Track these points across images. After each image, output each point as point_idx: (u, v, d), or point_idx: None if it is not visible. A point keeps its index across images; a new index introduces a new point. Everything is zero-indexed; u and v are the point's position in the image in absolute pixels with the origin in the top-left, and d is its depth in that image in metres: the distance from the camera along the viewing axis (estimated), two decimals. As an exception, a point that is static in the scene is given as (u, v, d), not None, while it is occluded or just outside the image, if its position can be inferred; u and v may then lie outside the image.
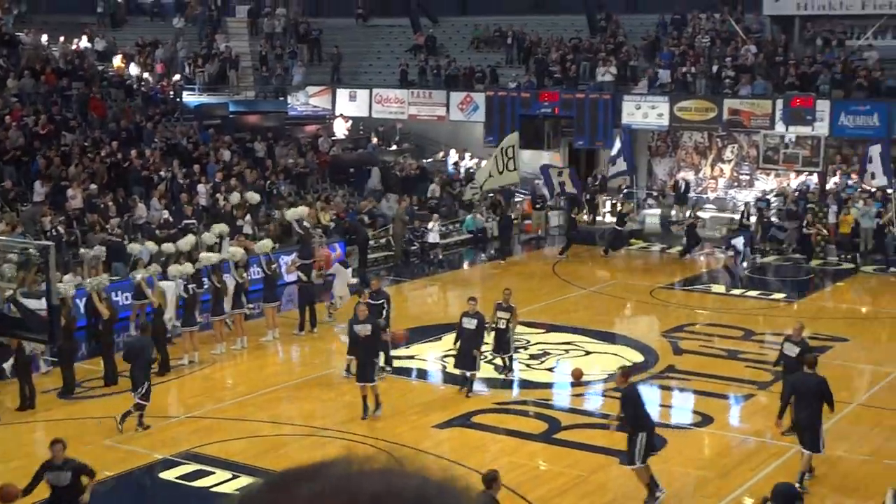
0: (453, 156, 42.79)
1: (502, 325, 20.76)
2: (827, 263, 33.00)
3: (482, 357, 20.33)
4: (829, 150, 36.27)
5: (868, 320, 26.98)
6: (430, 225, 33.88)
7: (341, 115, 43.38)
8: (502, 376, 20.97)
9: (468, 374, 19.87)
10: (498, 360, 21.16)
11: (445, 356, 22.00)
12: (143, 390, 17.96)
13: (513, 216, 36.25)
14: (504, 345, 20.88)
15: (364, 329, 18.50)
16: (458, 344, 20.00)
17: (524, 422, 18.80)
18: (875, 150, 29.84)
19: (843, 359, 22.12)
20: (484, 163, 34.60)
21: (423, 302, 28.96)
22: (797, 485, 14.92)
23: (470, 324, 19.68)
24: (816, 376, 15.74)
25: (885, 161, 30.94)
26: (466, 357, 19.80)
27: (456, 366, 20.12)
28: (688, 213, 35.51)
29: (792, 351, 17.25)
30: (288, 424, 18.46)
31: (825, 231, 32.50)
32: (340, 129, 43.41)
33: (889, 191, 32.98)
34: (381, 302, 21.47)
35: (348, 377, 20.23)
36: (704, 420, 18.89)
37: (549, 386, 21.17)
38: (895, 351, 23.26)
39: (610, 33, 42.18)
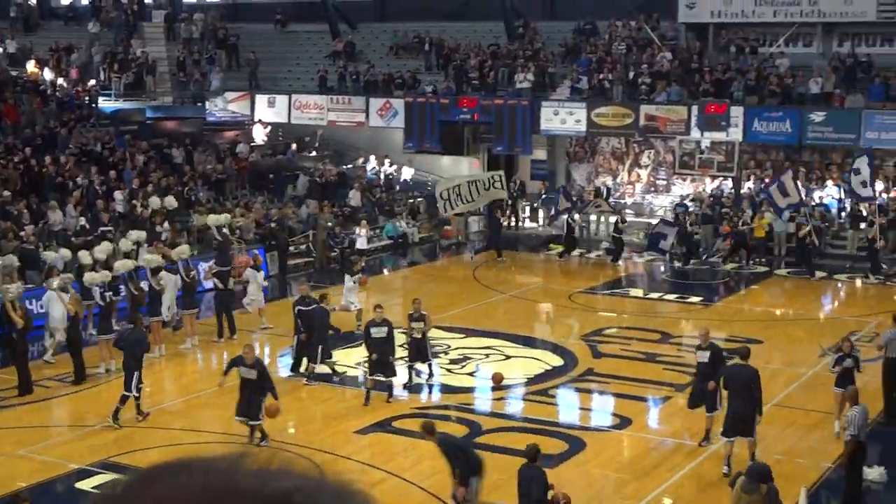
0: (373, 162, 42.75)
1: (418, 335, 20.70)
2: (741, 267, 33.50)
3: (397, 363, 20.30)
4: (743, 156, 36.89)
5: (782, 322, 27.44)
6: (358, 231, 33.72)
7: (260, 120, 43.11)
8: (426, 383, 20.93)
9: (386, 379, 19.76)
10: (422, 367, 21.08)
11: (364, 362, 21.94)
12: (135, 382, 18.39)
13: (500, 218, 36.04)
14: (423, 353, 20.85)
15: (250, 373, 17.54)
16: (372, 354, 19.79)
17: (445, 426, 18.79)
18: (863, 162, 29.72)
19: (758, 360, 22.39)
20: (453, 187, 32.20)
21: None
22: (724, 468, 15.97)
23: (380, 332, 19.55)
24: (749, 367, 16.47)
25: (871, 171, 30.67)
26: (383, 364, 19.65)
27: (372, 373, 19.93)
28: (613, 219, 35.65)
29: (703, 357, 17.40)
30: (207, 433, 18.28)
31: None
32: (259, 134, 43.13)
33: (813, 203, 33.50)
34: (312, 307, 21.38)
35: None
36: (623, 422, 19.07)
37: (469, 390, 21.21)
38: (808, 352, 23.63)
39: (528, 40, 42.47)
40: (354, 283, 25.33)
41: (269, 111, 43.28)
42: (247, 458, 1.62)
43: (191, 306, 24.05)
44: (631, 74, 38.73)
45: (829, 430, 17.94)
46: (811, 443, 17.51)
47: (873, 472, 15.99)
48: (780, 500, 12.96)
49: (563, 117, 38.16)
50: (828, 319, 27.87)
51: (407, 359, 20.93)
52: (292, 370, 21.58)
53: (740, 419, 16.13)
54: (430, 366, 20.99)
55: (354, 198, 38.74)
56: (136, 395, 18.67)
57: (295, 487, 1.56)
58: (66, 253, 25.21)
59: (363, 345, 20.27)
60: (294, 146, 43.02)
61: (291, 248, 33.03)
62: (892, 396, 19.23)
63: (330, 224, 33.63)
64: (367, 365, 20.21)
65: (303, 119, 42.90)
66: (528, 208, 40.39)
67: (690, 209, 36.58)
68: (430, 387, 20.91)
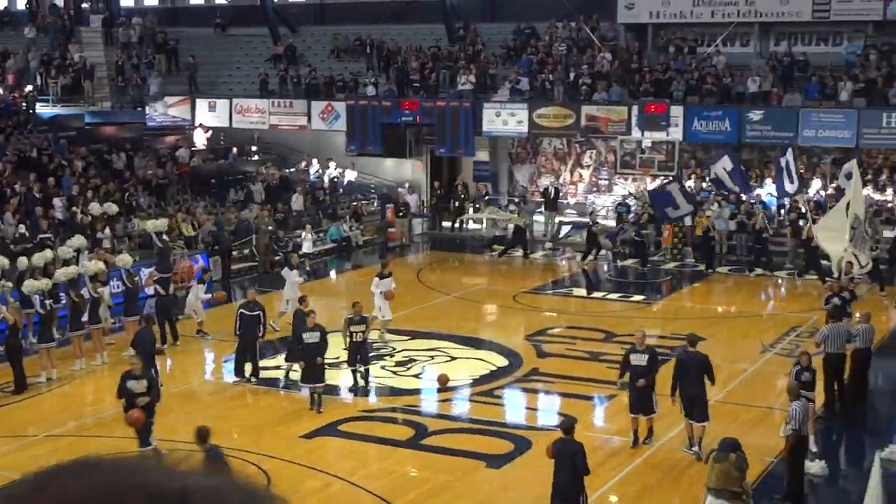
0: (315, 165, 42.63)
1: (359, 339, 20.62)
2: (684, 265, 33.82)
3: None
4: (683, 155, 37.23)
5: (724, 319, 27.73)
6: (303, 234, 33.53)
7: (201, 125, 42.82)
8: (363, 385, 20.84)
9: (316, 388, 19.52)
10: (364, 370, 21.03)
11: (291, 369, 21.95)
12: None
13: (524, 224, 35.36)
14: (363, 358, 20.74)
15: (139, 385, 17.04)
16: (303, 361, 19.62)
17: (392, 428, 18.81)
18: (789, 157, 29.60)
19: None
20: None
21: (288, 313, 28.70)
22: (690, 449, 16.69)
23: (312, 337, 19.40)
24: (699, 353, 17.11)
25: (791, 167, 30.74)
26: (313, 371, 19.50)
27: (303, 381, 19.76)
28: (587, 218, 35.63)
29: (640, 360, 17.39)
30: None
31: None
32: (200, 139, 42.85)
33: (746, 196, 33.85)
34: (256, 313, 21.31)
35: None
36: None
37: (415, 392, 21.23)
38: (749, 348, 23.94)
39: (468, 42, 42.56)
40: (299, 278, 25.09)
41: (209, 115, 43.01)
42: (156, 458, 1.62)
43: (132, 313, 23.82)
44: (572, 75, 38.94)
45: (772, 425, 18.13)
46: (754, 437, 17.67)
47: (814, 467, 16.20)
48: (747, 464, 13.60)
49: (504, 118, 38.29)
50: (769, 316, 28.21)
51: (348, 363, 20.82)
52: (236, 374, 21.46)
53: (696, 403, 16.90)
54: (366, 371, 20.83)
55: (297, 201, 38.61)
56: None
57: (196, 487, 1.55)
58: (4, 261, 24.87)
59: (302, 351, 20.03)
60: (235, 150, 42.78)
61: (234, 253, 32.83)
62: (833, 391, 19.51)
63: (270, 228, 33.42)
64: (298, 373, 19.95)
65: (244, 123, 42.70)
66: (471, 209, 40.47)
67: (632, 208, 36.88)
68: (367, 392, 20.77)
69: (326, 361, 20.02)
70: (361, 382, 20.85)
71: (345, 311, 26.70)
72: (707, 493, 13.24)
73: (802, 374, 18.12)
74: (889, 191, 35.01)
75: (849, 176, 26.56)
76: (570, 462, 14.06)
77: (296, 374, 20.72)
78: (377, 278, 24.49)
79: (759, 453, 16.96)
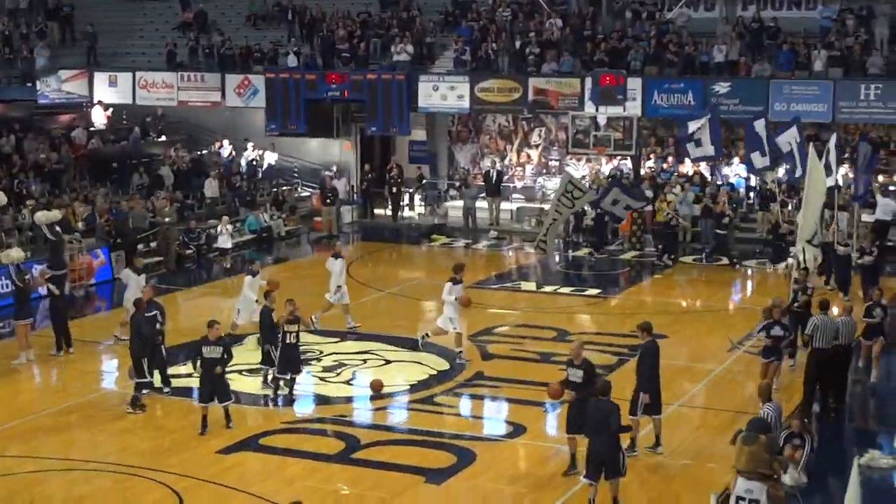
0: (230, 147, 42.40)
1: (292, 340, 20.59)
2: (644, 255, 34.10)
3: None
4: (642, 132, 37.51)
5: (687, 314, 28.00)
6: (219, 228, 33.26)
7: (100, 102, 42.42)
8: (287, 394, 20.79)
9: (222, 405, 19.33)
10: (290, 378, 20.95)
11: (229, 372, 21.79)
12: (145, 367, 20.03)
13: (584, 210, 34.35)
14: (294, 363, 20.66)
15: None
16: (201, 375, 19.32)
17: (319, 441, 18.81)
18: (759, 126, 29.46)
19: (663, 357, 22.88)
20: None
21: (200, 314, 28.57)
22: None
23: (213, 352, 19.21)
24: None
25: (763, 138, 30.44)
26: (216, 386, 19.34)
27: (202, 400, 19.54)
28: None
29: (576, 376, 17.02)
30: (48, 459, 17.98)
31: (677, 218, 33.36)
32: (99, 118, 42.43)
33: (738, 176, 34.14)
34: (153, 314, 21.18)
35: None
36: (516, 430, 19.28)
37: (346, 400, 21.22)
38: (715, 346, 24.19)
39: (402, 7, 42.54)
40: (255, 280, 24.85)
41: (110, 91, 42.62)
42: None
43: (24, 316, 23.57)
44: (518, 44, 39.06)
45: (729, 443, 18.31)
46: (722, 445, 17.85)
47: (787, 477, 16.40)
48: (778, 445, 14.58)
49: (443, 93, 38.35)
50: (738, 309, 28.52)
51: (278, 369, 20.78)
52: (138, 385, 21.31)
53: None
54: (292, 379, 20.74)
55: (211, 188, 38.40)
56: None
57: None
58: None
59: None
60: (139, 130, 42.44)
61: (140, 247, 32.60)
62: (813, 392, 19.72)
63: (168, 220, 32.98)
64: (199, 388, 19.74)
65: (150, 99, 42.39)
66: (407, 196, 40.53)
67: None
68: (292, 401, 20.73)
69: (246, 367, 19.91)
70: (285, 390, 20.82)
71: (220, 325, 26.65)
72: (736, 475, 13.76)
73: (773, 327, 18.56)
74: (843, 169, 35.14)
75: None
76: (604, 423, 15.19)
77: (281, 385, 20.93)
78: (450, 284, 23.27)
79: (726, 463, 17.17)
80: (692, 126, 29.57)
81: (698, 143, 29.42)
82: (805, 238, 23.97)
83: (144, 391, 20.65)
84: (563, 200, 24.14)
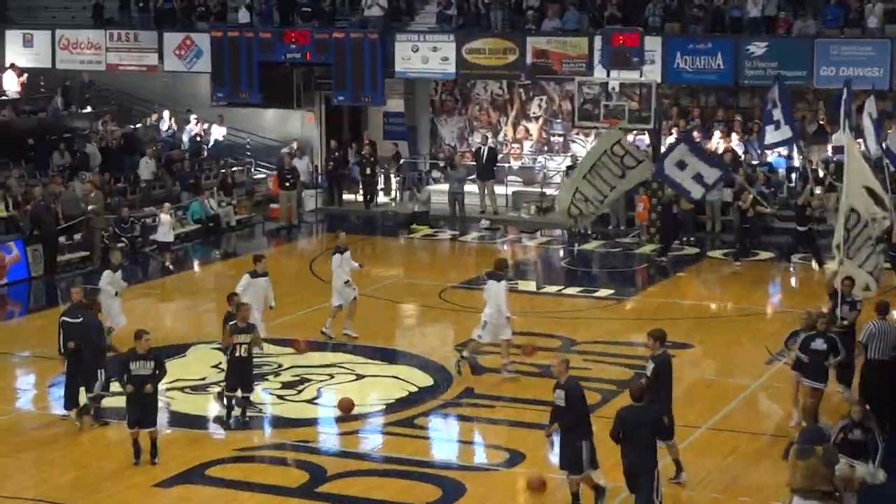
0: (167, 119, 42.30)
1: (243, 353, 20.46)
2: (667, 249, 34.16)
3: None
4: (662, 102, 37.52)
5: (717, 319, 28.01)
6: (159, 217, 33.15)
7: (12, 65, 42.34)
8: (240, 419, 20.80)
9: (148, 431, 19.17)
10: (243, 398, 20.92)
11: (169, 389, 21.83)
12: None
13: (742, 205, 32.91)
14: (245, 379, 20.59)
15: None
16: (129, 395, 19.04)
17: (278, 472, 18.80)
18: (775, 94, 28.63)
19: (689, 370, 22.93)
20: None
21: (133, 318, 28.57)
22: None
23: (143, 369, 19.09)
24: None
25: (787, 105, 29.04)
26: (143, 410, 19.19)
27: (131, 425, 19.37)
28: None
29: (559, 399, 16.88)
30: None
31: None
32: (12, 84, 42.36)
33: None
34: (81, 320, 21.08)
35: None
36: (514, 457, 19.27)
37: (310, 423, 21.22)
38: (751, 358, 24.16)
39: (375, -49, 42.52)
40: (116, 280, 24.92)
41: (24, 53, 42.56)
42: None
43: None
44: (514, -4, 39.10)
45: (780, 459, 18.37)
46: (758, 475, 17.92)
47: (860, 469, 16.27)
48: (837, 457, 14.55)
49: (424, 55, 38.32)
50: (777, 314, 28.58)
51: (224, 385, 20.79)
52: (67, 406, 21.26)
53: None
54: (245, 399, 20.69)
55: (147, 168, 38.32)
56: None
57: None
58: None
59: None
60: (60, 100, 42.34)
61: (62, 239, 32.54)
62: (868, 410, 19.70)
63: (92, 207, 32.85)
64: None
65: (73, 63, 42.28)
66: (382, 178, 40.52)
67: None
68: (245, 424, 20.69)
69: (190, 383, 19.91)
70: (237, 412, 20.80)
71: (210, 315, 26.64)
72: (792, 495, 14.05)
73: (813, 340, 18.37)
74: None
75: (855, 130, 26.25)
76: (646, 433, 15.63)
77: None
78: (493, 281, 23.16)
79: (762, 496, 17.24)
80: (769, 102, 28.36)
81: (777, 126, 28.01)
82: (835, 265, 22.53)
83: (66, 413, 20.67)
84: (608, 163, 23.40)
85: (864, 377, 19.74)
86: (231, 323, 20.67)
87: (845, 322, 20.80)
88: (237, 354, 20.46)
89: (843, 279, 21.07)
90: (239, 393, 20.64)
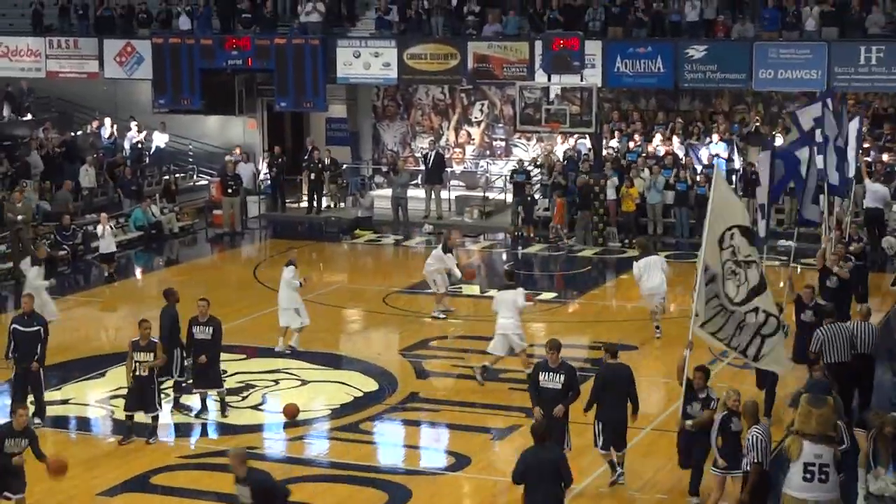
0: (108, 126, 42.05)
1: (143, 372, 19.89)
2: (608, 251, 34.23)
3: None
4: (603, 106, 37.63)
5: (661, 321, 28.07)
6: (99, 229, 32.78)
7: (-51, 73, 42.06)
8: (147, 439, 20.60)
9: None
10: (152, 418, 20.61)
11: (113, 398, 21.72)
12: None
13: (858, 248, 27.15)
14: (147, 399, 20.22)
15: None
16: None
17: (222, 479, 18.67)
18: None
19: (634, 373, 22.97)
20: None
21: (78, 327, 28.40)
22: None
23: (17, 447, 18.73)
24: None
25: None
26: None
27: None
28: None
29: (555, 382, 17.55)
30: None
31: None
32: (-51, 93, 42.06)
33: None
34: (36, 329, 20.88)
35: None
36: (459, 461, 19.28)
37: (255, 429, 21.14)
38: (695, 359, 24.19)
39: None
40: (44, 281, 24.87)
41: (-39, 60, 42.27)
42: None
43: None
44: (454, 1, 39.06)
45: (787, 406, 18.41)
46: (704, 476, 17.96)
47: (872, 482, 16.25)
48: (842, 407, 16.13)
49: (366, 60, 38.29)
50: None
51: (126, 406, 20.50)
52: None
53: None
54: (156, 418, 20.38)
55: (87, 176, 38.09)
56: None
57: None
58: None
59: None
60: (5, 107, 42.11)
61: (3, 248, 32.36)
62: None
63: (20, 217, 32.48)
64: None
65: (11, 70, 42.00)
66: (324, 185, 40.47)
67: (535, 178, 37.18)
68: (150, 442, 20.43)
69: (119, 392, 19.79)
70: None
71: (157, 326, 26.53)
72: (801, 440, 14.80)
73: (731, 420, 16.82)
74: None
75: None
76: (623, 389, 17.13)
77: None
78: (503, 291, 23.60)
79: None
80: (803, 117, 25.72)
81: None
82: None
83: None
84: (729, 264, 17.04)
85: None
86: (132, 340, 20.30)
87: (689, 423, 17.25)
88: (138, 374, 19.96)
89: (695, 370, 17.73)
90: (141, 412, 20.13)
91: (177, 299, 22.11)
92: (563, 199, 35.40)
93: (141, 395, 20.11)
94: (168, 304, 21.97)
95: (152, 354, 20.00)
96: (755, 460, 15.42)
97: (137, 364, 19.99)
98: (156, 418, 20.33)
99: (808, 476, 14.70)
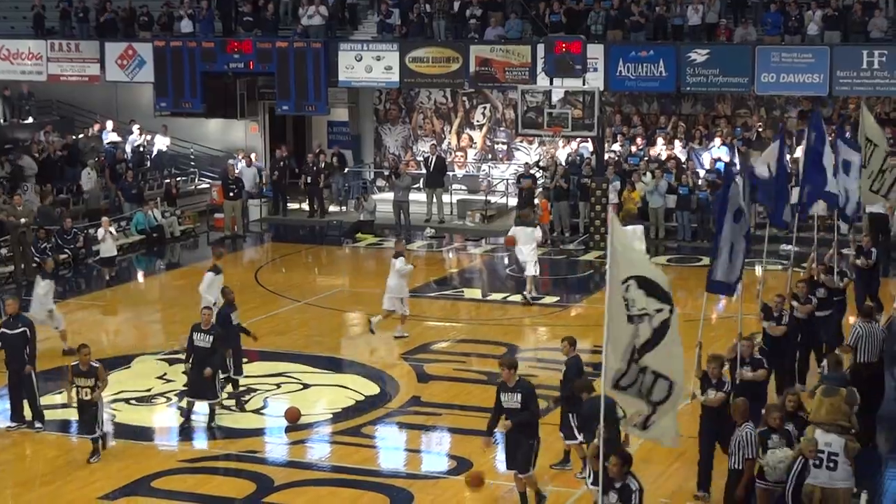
0: (110, 129, 42.04)
1: (84, 396, 19.44)
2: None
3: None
4: (605, 109, 37.64)
5: (662, 325, 28.04)
6: (100, 232, 32.73)
7: (-50, 77, 42.08)
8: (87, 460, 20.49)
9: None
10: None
11: (114, 401, 21.71)
12: None
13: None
14: (88, 423, 19.92)
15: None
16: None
17: (224, 483, 18.72)
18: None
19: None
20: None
21: (78, 331, 28.39)
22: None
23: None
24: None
25: None
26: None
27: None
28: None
29: (513, 401, 16.94)
30: None
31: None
32: (-51, 96, 42.09)
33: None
34: (21, 330, 20.91)
35: None
36: (461, 464, 19.28)
37: (256, 433, 21.14)
38: (695, 363, 24.21)
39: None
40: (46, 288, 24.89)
41: (-38, 63, 42.28)
42: None
43: None
44: (457, 5, 39.07)
45: (808, 396, 18.42)
46: (716, 480, 17.94)
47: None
48: (856, 398, 16.42)
49: (368, 63, 38.29)
50: (722, 320, 28.65)
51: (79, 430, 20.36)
52: (13, 418, 21.15)
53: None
54: (97, 440, 20.12)
55: (89, 179, 38.09)
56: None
57: None
58: None
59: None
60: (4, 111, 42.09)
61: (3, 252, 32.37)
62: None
63: (24, 220, 32.50)
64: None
65: (13, 73, 41.99)
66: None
67: (539, 181, 37.19)
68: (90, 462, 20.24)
69: (135, 394, 19.78)
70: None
71: (154, 327, 26.55)
72: (814, 427, 15.28)
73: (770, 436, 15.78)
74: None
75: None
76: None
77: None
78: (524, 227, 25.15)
79: (711, 501, 17.29)
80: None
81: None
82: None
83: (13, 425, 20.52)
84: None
85: (854, 381, 19.71)
86: (72, 364, 19.91)
87: (702, 398, 17.93)
88: (80, 398, 19.61)
89: (709, 360, 18.28)
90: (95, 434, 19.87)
91: (231, 299, 22.90)
92: (547, 199, 35.84)
93: (83, 419, 19.82)
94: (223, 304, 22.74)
95: (93, 379, 19.48)
96: (748, 456, 15.61)
97: (79, 389, 19.57)
98: (96, 440, 19.77)
99: (817, 462, 14.98)
